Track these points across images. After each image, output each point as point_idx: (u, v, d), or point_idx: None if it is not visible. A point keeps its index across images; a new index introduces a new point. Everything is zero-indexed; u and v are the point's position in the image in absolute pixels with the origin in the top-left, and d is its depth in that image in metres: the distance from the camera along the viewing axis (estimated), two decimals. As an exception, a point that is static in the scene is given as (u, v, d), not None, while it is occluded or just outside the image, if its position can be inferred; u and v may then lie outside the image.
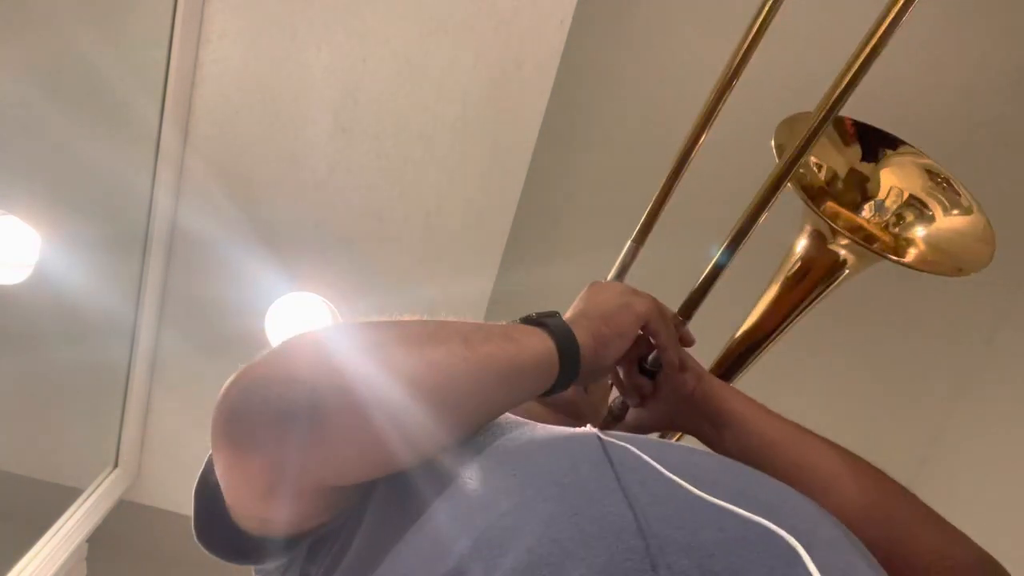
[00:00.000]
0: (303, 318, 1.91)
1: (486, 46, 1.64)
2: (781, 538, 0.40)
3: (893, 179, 0.89)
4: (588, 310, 0.68)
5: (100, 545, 1.92)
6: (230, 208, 1.79)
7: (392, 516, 0.50)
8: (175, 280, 1.87)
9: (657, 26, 1.93)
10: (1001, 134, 1.93)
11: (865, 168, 0.91)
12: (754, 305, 0.89)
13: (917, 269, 0.81)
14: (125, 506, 2.06)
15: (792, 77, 1.91)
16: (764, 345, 0.87)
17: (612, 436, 0.53)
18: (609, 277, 0.90)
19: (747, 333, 0.88)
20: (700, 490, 0.44)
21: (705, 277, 0.77)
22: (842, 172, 0.91)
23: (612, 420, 0.82)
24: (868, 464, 0.67)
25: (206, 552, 0.57)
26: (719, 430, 0.72)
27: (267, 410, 0.47)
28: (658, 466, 0.47)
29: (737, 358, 0.88)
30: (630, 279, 0.89)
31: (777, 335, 0.87)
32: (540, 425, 0.58)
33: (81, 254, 1.75)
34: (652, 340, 0.72)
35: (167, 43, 1.59)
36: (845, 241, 0.81)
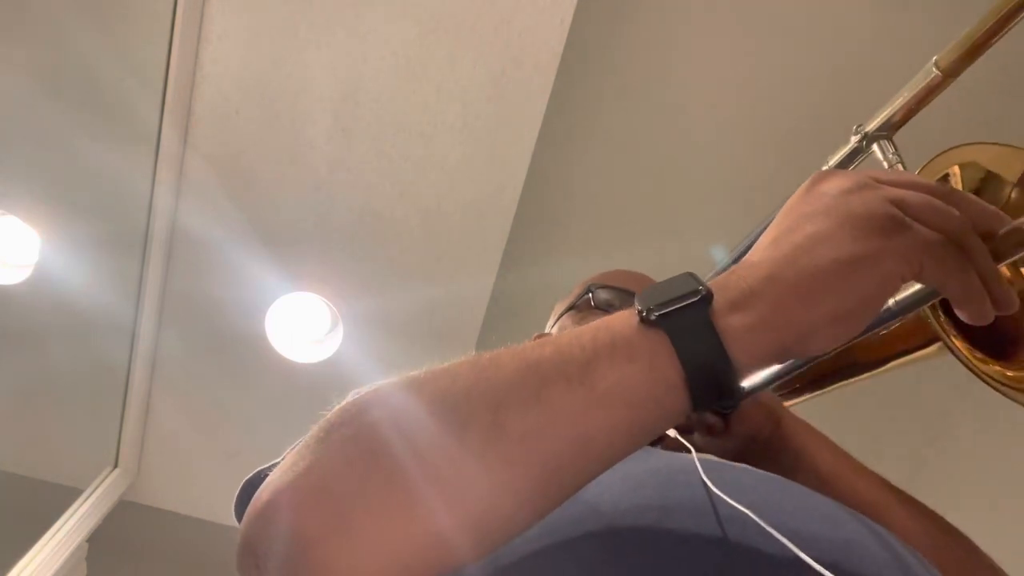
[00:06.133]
0: (303, 318, 1.92)
1: (486, 46, 1.64)
2: None
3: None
4: (783, 268, 0.38)
5: (100, 545, 1.92)
6: (230, 208, 1.79)
7: None
8: (175, 280, 1.86)
9: (657, 25, 1.93)
10: (1001, 134, 1.92)
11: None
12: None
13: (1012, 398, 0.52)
14: (125, 506, 2.06)
15: (797, 80, 1.91)
16: (817, 391, 0.74)
17: (712, 470, 0.46)
18: (866, 129, 0.57)
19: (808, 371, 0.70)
20: (802, 551, 0.39)
21: None
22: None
23: (679, 431, 0.71)
24: (962, 540, 0.62)
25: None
26: (793, 477, 0.63)
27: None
28: (762, 521, 0.41)
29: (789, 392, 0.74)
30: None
31: (833, 386, 0.72)
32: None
33: (81, 254, 1.75)
34: (937, 289, 0.41)
35: (167, 43, 1.59)
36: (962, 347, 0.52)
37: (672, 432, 0.64)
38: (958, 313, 0.40)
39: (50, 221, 1.71)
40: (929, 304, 0.45)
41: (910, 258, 0.37)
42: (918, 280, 0.39)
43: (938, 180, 0.52)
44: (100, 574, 1.96)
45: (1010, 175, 0.52)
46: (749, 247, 0.43)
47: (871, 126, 0.55)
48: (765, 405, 0.68)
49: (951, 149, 0.54)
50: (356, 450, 0.37)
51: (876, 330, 0.46)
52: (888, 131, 0.55)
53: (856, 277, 0.37)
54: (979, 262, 0.38)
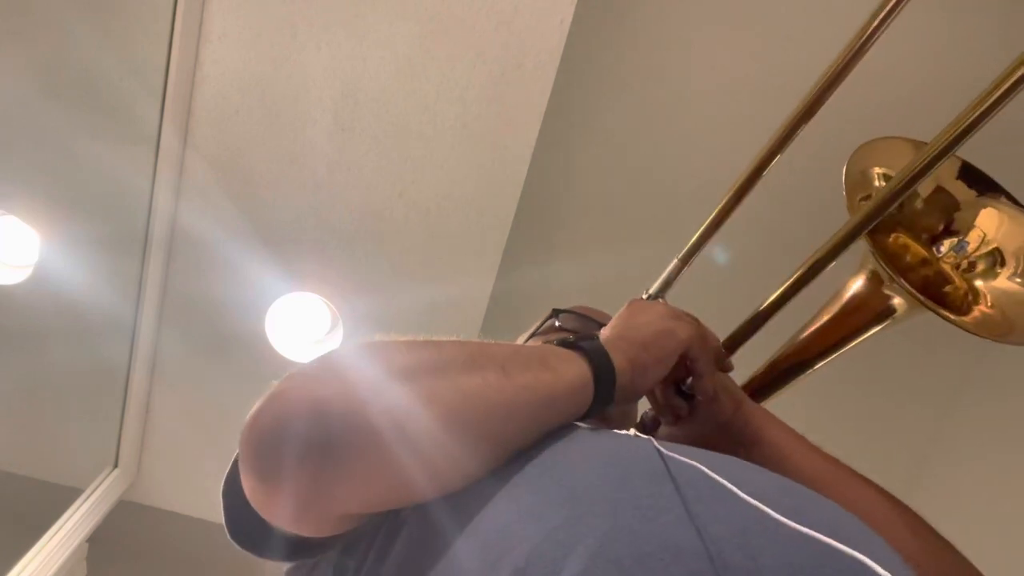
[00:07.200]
0: (303, 318, 1.92)
1: (486, 46, 1.64)
2: (848, 555, 0.39)
3: (988, 222, 0.76)
4: (627, 333, 0.66)
5: (100, 545, 1.92)
6: (230, 208, 1.79)
7: (442, 516, 0.50)
8: (175, 280, 1.87)
9: (657, 26, 1.93)
10: (1000, 134, 1.92)
11: (960, 193, 0.77)
12: (794, 335, 0.82)
13: (972, 332, 0.71)
14: (125, 506, 2.06)
15: (797, 79, 1.91)
16: (794, 377, 0.82)
17: (668, 447, 0.51)
18: (651, 292, 0.86)
19: (778, 361, 0.82)
20: (763, 505, 0.42)
21: (758, 314, 0.71)
22: (925, 191, 0.77)
23: (643, 431, 0.78)
24: (915, 514, 0.65)
25: (236, 548, 0.57)
26: (752, 459, 0.68)
27: (292, 448, 0.46)
28: (719, 478, 0.45)
29: (764, 386, 0.83)
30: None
31: (809, 369, 0.81)
32: (592, 430, 0.57)
33: (81, 254, 1.75)
34: (690, 367, 0.71)
35: (167, 43, 1.59)
36: (911, 293, 0.71)
37: (632, 431, 0.68)
38: (695, 385, 0.72)
39: (50, 221, 1.71)
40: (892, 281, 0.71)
41: (688, 334, 0.69)
42: (688, 353, 0.69)
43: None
44: (100, 574, 1.97)
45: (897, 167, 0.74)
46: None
47: (652, 290, 0.86)
48: (727, 388, 0.75)
49: (870, 142, 0.79)
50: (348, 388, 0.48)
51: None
52: (662, 291, 0.86)
53: (665, 340, 0.67)
54: (710, 358, 0.72)
